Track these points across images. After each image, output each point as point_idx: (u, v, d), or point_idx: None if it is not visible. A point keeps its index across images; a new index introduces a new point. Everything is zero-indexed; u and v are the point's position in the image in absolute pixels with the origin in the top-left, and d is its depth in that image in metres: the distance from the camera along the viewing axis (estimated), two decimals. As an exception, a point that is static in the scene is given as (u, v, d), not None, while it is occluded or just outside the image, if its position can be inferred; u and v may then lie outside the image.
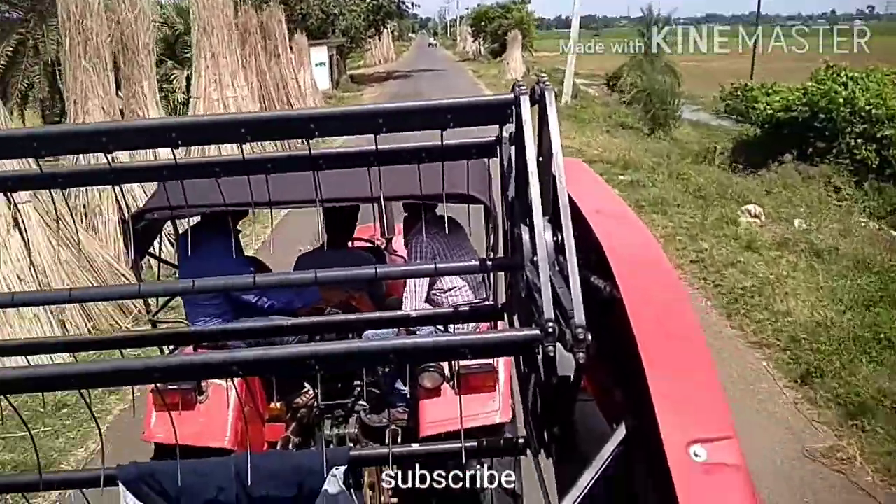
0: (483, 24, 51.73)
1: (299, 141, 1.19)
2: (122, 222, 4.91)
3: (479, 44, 55.91)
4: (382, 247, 4.06)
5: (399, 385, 3.15)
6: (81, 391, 1.09)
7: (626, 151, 13.63)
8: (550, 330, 0.95)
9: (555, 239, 1.07)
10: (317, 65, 26.45)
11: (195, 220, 3.08)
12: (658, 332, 1.02)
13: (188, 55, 18.44)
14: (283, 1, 29.67)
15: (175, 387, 2.75)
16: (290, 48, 22.96)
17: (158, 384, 2.35)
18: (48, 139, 1.11)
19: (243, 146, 1.14)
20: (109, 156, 1.15)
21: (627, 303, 1.03)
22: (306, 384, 3.20)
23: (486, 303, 2.95)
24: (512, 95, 1.12)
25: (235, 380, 2.22)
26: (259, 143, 1.21)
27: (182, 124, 1.14)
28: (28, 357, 1.36)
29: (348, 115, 1.19)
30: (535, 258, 1.04)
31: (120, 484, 1.44)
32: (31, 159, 1.15)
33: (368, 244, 3.99)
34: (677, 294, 1.17)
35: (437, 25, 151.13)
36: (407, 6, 34.11)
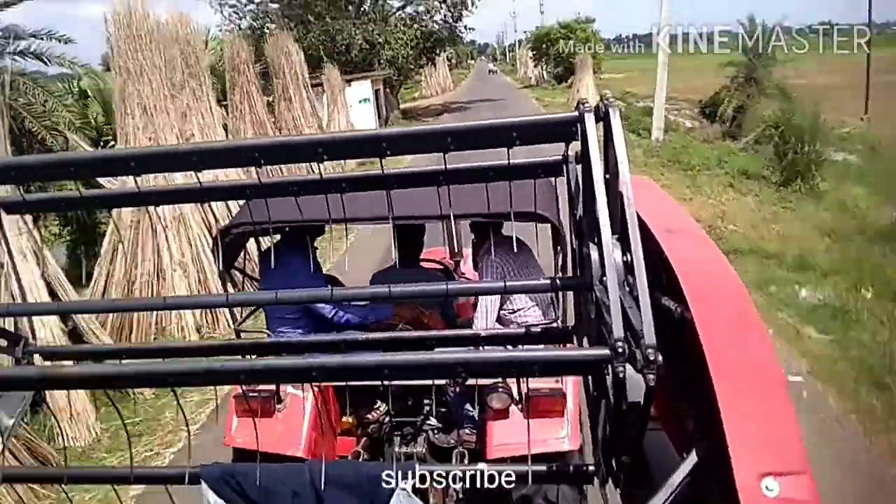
0: (544, 46, 47.75)
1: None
2: (213, 238, 4.40)
3: (542, 68, 51.94)
4: (452, 269, 4.13)
5: (468, 406, 3.14)
6: (174, 389, 1.21)
7: (778, 226, 9.16)
8: (620, 349, 0.95)
9: (624, 258, 1.08)
10: (360, 101, 23.06)
11: (276, 237, 3.23)
12: (731, 359, 1.01)
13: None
14: (323, 30, 26.92)
15: (256, 394, 2.83)
16: (319, 86, 19.62)
17: (242, 391, 2.70)
18: (145, 159, 1.24)
19: (320, 165, 1.22)
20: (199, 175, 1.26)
21: (699, 326, 1.03)
22: (378, 400, 3.23)
23: (556, 324, 2.94)
24: (577, 113, 1.15)
25: (312, 391, 2.69)
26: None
27: (263, 145, 1.24)
28: (122, 360, 1.65)
29: (418, 135, 1.25)
30: (603, 277, 1.06)
31: (203, 482, 1.58)
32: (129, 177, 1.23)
33: (439, 265, 4.05)
34: (751, 319, 1.15)
35: (495, 50, 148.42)
36: (460, 31, 30.51)
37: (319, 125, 12.55)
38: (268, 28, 27.61)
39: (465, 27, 30.47)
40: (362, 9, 27.72)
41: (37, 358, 1.74)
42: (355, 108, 22.75)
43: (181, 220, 6.67)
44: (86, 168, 1.28)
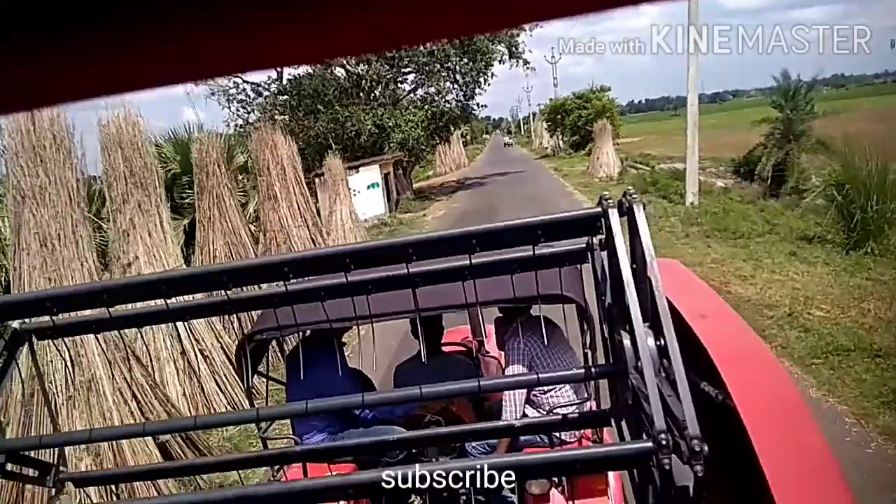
0: (560, 117, 47.43)
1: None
2: (237, 346, 3.88)
3: (557, 138, 51.51)
4: (475, 349, 4.09)
5: (506, 493, 3.05)
6: None
7: (870, 303, 7.42)
8: (664, 442, 0.93)
9: (657, 343, 1.09)
10: (369, 187, 22.13)
11: (298, 336, 3.17)
12: (778, 444, 1.01)
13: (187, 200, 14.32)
14: (332, 118, 26.50)
15: None
16: (316, 179, 18.66)
17: None
18: (172, 283, 1.29)
19: (347, 274, 1.27)
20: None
21: (743, 414, 1.03)
22: (413, 494, 2.96)
23: (589, 403, 2.88)
24: (599, 209, 1.21)
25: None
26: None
27: (293, 259, 1.29)
28: (153, 482, 2.00)
29: (444, 239, 1.28)
30: (638, 364, 1.07)
31: None
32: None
33: (462, 347, 4.03)
34: (792, 398, 1.16)
35: (510, 124, 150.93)
36: (473, 109, 29.91)
37: (314, 220, 11.22)
38: (277, 120, 27.37)
39: (478, 105, 29.91)
40: (373, 94, 27.32)
41: (70, 484, 1.73)
42: (363, 194, 21.82)
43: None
44: (117, 294, 1.31)
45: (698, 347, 1.18)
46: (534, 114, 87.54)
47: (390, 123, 25.67)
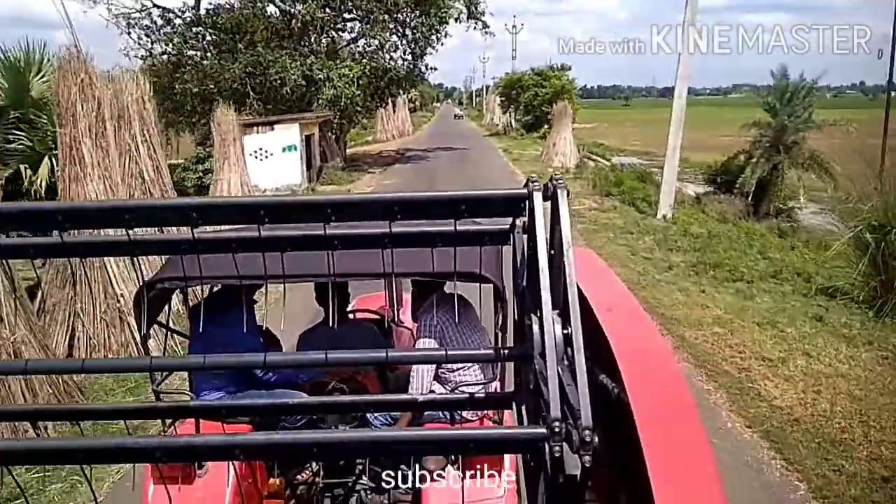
0: (515, 93, 44.14)
1: None
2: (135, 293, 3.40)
3: (510, 115, 48.30)
4: (389, 318, 4.04)
5: (402, 466, 2.95)
6: (83, 466, 1.17)
7: None
8: (557, 429, 0.96)
9: (564, 332, 1.11)
10: (285, 149, 18.31)
11: (207, 288, 3.10)
12: (665, 443, 1.06)
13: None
14: (251, 60, 22.27)
15: None
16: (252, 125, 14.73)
17: None
18: (69, 214, 1.20)
19: (260, 228, 1.22)
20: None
21: (635, 410, 1.07)
22: (309, 461, 3.11)
23: (494, 384, 2.91)
24: (525, 190, 1.20)
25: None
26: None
27: (200, 204, 1.21)
28: (35, 424, 1.71)
29: (364, 203, 1.26)
30: (544, 351, 1.08)
31: None
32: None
33: (374, 315, 4.00)
34: (685, 401, 1.20)
35: (461, 94, 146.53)
36: (421, 71, 26.18)
37: (164, 194, 7.59)
38: (187, 55, 22.88)
39: (428, 67, 26.14)
40: (305, 39, 23.18)
41: None
42: (277, 157, 18.00)
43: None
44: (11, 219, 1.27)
45: (602, 340, 1.21)
46: (487, 87, 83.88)
47: (321, 76, 21.70)
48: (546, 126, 42.96)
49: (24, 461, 1.13)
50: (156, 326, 2.85)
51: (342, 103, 21.72)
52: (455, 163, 26.43)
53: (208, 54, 22.61)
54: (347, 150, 29.10)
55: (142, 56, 22.69)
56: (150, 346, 2.77)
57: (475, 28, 25.85)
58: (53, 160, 9.79)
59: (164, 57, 22.91)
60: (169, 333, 2.85)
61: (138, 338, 5.39)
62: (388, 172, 24.31)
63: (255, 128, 18.21)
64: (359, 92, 22.16)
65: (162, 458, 1.07)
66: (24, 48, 11.60)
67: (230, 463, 2.59)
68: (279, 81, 21.40)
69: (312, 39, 23.27)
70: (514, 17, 52.35)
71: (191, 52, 22.57)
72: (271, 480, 3.04)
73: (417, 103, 78.84)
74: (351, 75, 21.77)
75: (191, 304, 3.26)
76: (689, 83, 14.12)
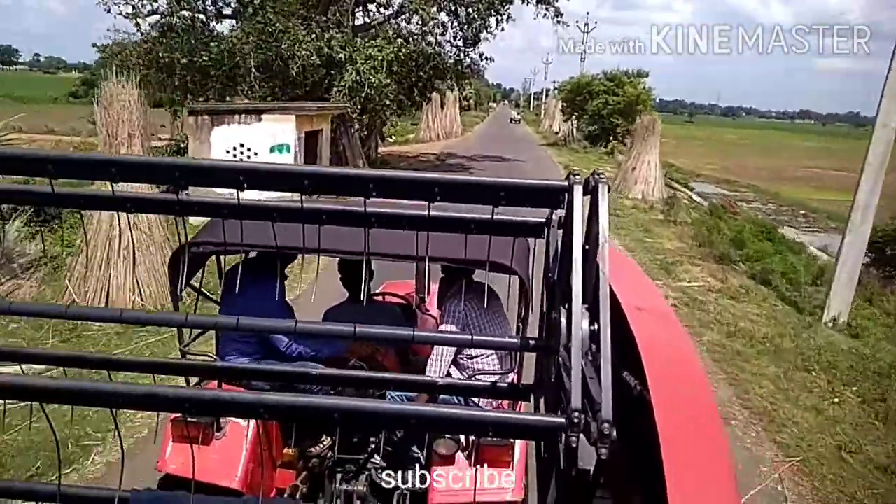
0: (581, 99, 38.51)
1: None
2: (173, 252, 3.58)
3: (572, 124, 42.67)
4: (415, 304, 4.05)
5: (414, 448, 3.14)
6: (112, 410, 1.16)
7: None
8: (576, 420, 0.96)
9: (591, 328, 1.10)
10: (273, 149, 13.37)
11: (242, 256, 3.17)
12: (684, 445, 1.04)
13: None
14: (257, 27, 17.40)
15: (195, 420, 2.76)
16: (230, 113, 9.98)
17: (179, 416, 2.60)
18: (122, 167, 1.20)
19: (302, 197, 1.23)
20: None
21: (656, 409, 1.05)
22: (323, 434, 3.17)
23: (511, 375, 2.94)
24: (566, 183, 1.18)
25: (255, 421, 2.69)
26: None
27: (251, 169, 1.20)
28: (65, 369, 1.56)
29: (406, 180, 1.24)
30: (569, 344, 1.08)
31: None
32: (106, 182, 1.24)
33: (401, 300, 4.01)
34: (707, 406, 1.18)
35: (519, 96, 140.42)
36: (473, 62, 20.94)
37: None
38: (179, 16, 18.17)
39: (483, 56, 20.90)
40: (331, 10, 18.19)
41: None
42: (263, 159, 13.10)
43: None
44: (64, 167, 1.24)
45: (629, 337, 1.20)
46: (547, 90, 77.94)
47: (341, 56, 16.73)
48: (613, 140, 37.58)
49: (59, 399, 1.06)
50: (188, 290, 2.87)
51: (364, 93, 16.64)
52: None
53: (202, 16, 17.82)
54: (380, 150, 24.14)
55: (131, 15, 18.12)
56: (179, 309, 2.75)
57: (545, 15, 20.51)
58: None
59: (155, 18, 18.32)
60: (200, 298, 2.85)
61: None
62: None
63: (233, 116, 13.36)
64: (387, 80, 17.04)
65: (190, 410, 1.11)
66: None
67: (248, 428, 2.81)
68: (287, 56, 16.49)
69: (339, 12, 18.26)
70: (588, 13, 46.61)
71: (184, 13, 17.85)
72: (286, 450, 3.07)
73: (472, 102, 73.43)
74: (380, 58, 16.70)
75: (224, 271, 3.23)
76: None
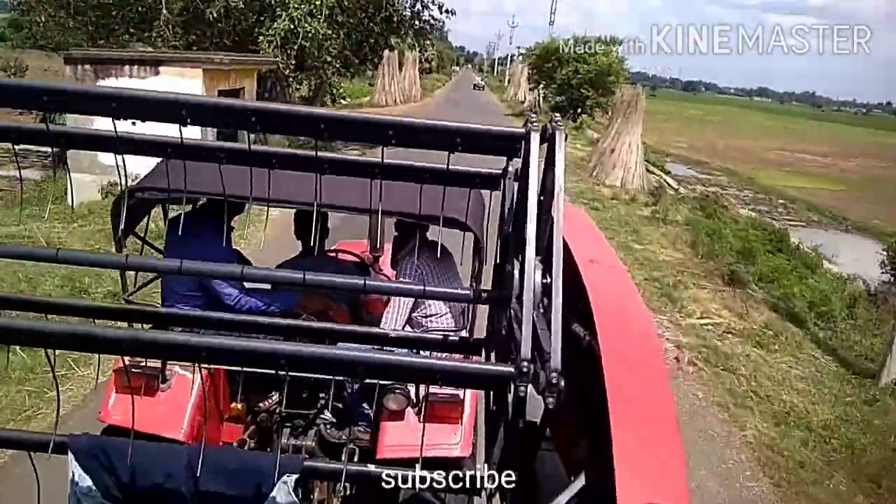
0: (550, 66, 35.84)
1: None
2: (116, 197, 3.56)
3: (538, 92, 40.05)
4: (369, 263, 3.98)
5: (364, 404, 3.09)
6: (48, 350, 1.16)
7: None
8: (525, 369, 0.97)
9: (544, 281, 1.11)
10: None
11: (188, 207, 3.02)
12: (629, 393, 1.05)
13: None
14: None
15: (139, 370, 2.69)
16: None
17: (124, 364, 2.55)
18: (63, 95, 1.18)
19: (250, 137, 1.25)
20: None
21: (604, 359, 1.07)
22: (272, 389, 3.09)
23: (464, 333, 2.89)
24: (523, 130, 1.20)
25: (201, 372, 2.58)
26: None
27: (193, 103, 1.18)
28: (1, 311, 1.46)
29: (360, 122, 1.24)
30: (521, 296, 1.08)
31: (70, 453, 1.46)
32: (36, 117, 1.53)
33: (355, 258, 3.95)
34: (655, 357, 1.20)
35: (482, 61, 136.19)
36: (431, 16, 17.97)
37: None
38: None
39: (444, 10, 17.92)
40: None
41: None
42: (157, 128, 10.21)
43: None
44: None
45: (580, 289, 1.19)
46: (513, 56, 74.69)
47: (272, -1, 13.66)
48: (582, 114, 35.23)
49: None
50: (131, 238, 2.82)
51: (297, 45, 13.65)
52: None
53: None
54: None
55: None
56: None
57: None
58: None
59: None
60: (144, 247, 2.75)
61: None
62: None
63: (122, 67, 10.35)
64: (328, 31, 14.07)
65: (127, 351, 1.11)
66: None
67: (195, 380, 2.69)
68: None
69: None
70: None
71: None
72: (233, 404, 3.03)
73: (434, 64, 69.59)
74: (318, 2, 13.68)
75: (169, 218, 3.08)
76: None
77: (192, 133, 1.28)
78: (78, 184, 10.26)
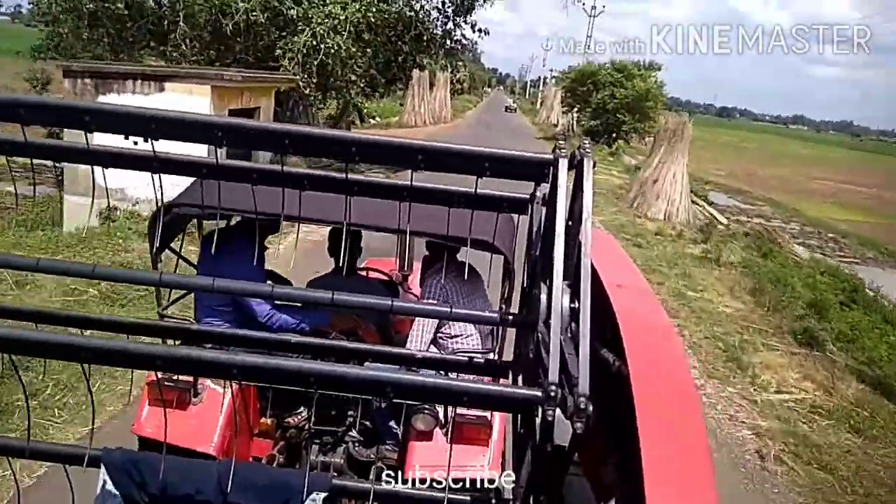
0: (585, 90, 34.72)
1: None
2: (152, 213, 3.37)
3: (572, 116, 38.92)
4: (398, 282, 4.01)
5: (392, 423, 3.11)
6: (83, 365, 1.16)
7: None
8: (553, 393, 0.96)
9: (571, 305, 1.11)
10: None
11: (222, 223, 3.07)
12: (659, 412, 1.03)
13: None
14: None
15: (172, 384, 2.72)
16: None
17: (157, 378, 2.56)
18: (94, 114, 1.20)
19: (283, 157, 1.24)
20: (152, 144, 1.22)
21: (634, 384, 1.04)
22: (301, 405, 3.13)
23: (491, 355, 2.89)
24: (551, 156, 1.19)
25: (232, 387, 2.57)
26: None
27: (229, 125, 1.21)
28: (38, 325, 1.45)
29: (390, 146, 1.23)
30: (549, 320, 1.08)
31: (102, 466, 1.48)
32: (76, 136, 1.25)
33: (384, 276, 3.98)
34: (685, 383, 1.17)
35: (514, 83, 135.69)
36: (463, 36, 17.03)
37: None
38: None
39: (476, 29, 16.98)
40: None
41: None
42: (165, 147, 9.37)
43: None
44: (38, 113, 1.21)
45: (608, 314, 1.20)
46: (545, 78, 73.77)
47: (294, 12, 12.87)
48: (618, 140, 33.95)
49: (28, 352, 1.08)
50: (166, 253, 2.87)
51: (317, 61, 12.78)
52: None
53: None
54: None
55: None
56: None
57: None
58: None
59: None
60: (178, 261, 2.82)
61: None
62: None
63: (124, 82, 9.56)
64: (353, 48, 13.20)
65: (162, 367, 1.09)
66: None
67: (226, 395, 2.72)
68: (219, 10, 12.58)
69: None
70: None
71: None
72: (263, 420, 3.04)
73: (465, 85, 68.86)
74: (343, 17, 12.84)
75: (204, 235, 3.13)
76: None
77: (199, 151, 1.30)
78: (75, 208, 9.51)
